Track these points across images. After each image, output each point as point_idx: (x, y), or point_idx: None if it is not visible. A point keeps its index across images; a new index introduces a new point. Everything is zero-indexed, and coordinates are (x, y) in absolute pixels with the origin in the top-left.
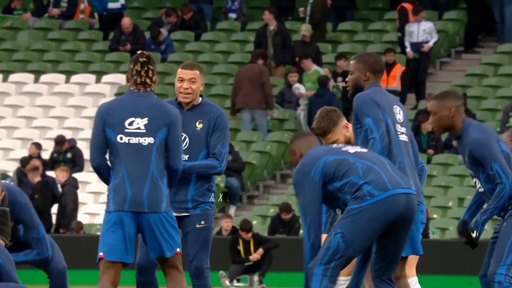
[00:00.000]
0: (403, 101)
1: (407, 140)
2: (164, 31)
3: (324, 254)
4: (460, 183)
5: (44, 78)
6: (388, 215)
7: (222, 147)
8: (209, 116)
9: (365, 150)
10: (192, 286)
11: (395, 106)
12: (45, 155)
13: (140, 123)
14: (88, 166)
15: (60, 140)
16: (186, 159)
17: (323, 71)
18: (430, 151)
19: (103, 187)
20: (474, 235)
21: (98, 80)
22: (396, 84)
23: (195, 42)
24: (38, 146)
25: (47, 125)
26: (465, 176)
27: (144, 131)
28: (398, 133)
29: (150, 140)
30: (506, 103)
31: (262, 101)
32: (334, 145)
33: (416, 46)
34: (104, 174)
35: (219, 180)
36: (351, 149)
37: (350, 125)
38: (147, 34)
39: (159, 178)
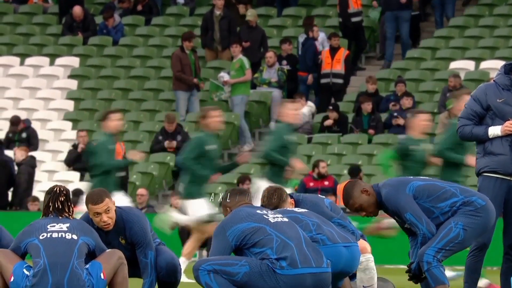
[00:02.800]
0: (346, 83)
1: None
2: (116, 16)
3: None
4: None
5: None
6: None
7: (144, 259)
8: (126, 232)
9: (285, 220)
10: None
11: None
12: (1, 135)
13: None
14: (42, 145)
15: (15, 121)
16: None
17: (247, 60)
18: (371, 131)
19: (57, 165)
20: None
21: (51, 63)
22: (340, 68)
23: (145, 27)
24: None
25: (3, 106)
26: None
27: None
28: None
29: None
30: (443, 85)
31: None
32: (258, 210)
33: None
34: None
35: (169, 159)
36: (272, 218)
37: (293, 203)
38: (100, 19)
39: None
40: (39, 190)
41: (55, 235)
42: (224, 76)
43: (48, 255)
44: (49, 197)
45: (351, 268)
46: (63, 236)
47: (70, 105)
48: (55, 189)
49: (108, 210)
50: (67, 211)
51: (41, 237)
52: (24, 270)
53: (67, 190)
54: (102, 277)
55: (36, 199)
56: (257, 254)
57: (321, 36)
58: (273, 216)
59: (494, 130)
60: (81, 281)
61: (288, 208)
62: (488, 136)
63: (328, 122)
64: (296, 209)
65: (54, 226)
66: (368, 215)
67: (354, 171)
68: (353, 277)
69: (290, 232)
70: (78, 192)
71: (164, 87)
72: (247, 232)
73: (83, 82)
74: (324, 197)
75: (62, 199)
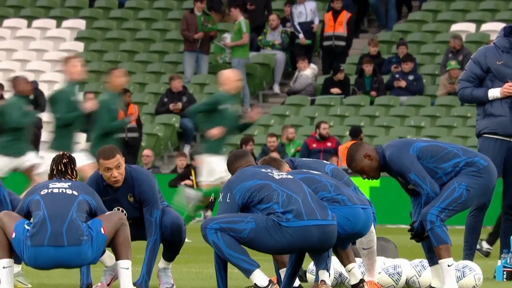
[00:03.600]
0: (348, 45)
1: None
2: None
3: None
4: (401, 123)
5: (6, 23)
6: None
7: (150, 217)
8: (134, 189)
9: (290, 176)
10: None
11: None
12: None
13: None
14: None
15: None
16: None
17: (246, 24)
18: (373, 92)
19: None
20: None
21: (58, 25)
22: (342, 30)
23: None
24: (1, 87)
25: (10, 68)
26: (406, 117)
27: None
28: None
29: None
30: (445, 48)
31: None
32: (263, 169)
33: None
34: None
35: (174, 121)
36: (277, 175)
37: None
38: None
39: None
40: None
41: (56, 190)
42: (226, 37)
43: (48, 207)
44: (53, 163)
45: (365, 230)
46: (64, 191)
47: None
48: (58, 154)
49: (119, 166)
50: (70, 173)
51: (42, 193)
52: (25, 225)
53: (71, 155)
54: (102, 231)
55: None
56: (264, 210)
57: (312, 5)
58: (277, 174)
59: (494, 92)
60: (79, 231)
61: (304, 170)
62: (488, 98)
63: (334, 91)
64: (313, 171)
65: (55, 184)
66: (369, 179)
67: (355, 132)
68: (353, 242)
69: (294, 187)
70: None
71: (170, 49)
72: (253, 190)
73: (90, 44)
74: (327, 162)
75: (65, 161)
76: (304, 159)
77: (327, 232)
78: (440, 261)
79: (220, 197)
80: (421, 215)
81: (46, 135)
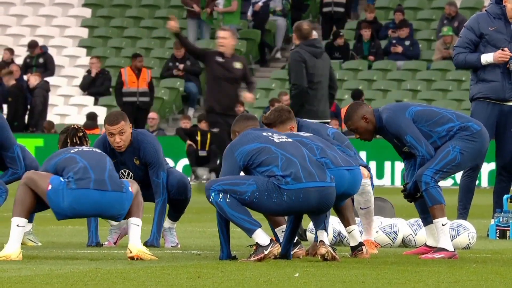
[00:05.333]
0: (347, 12)
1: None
2: None
3: None
4: (398, 87)
5: None
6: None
7: (157, 179)
8: (140, 152)
9: (290, 140)
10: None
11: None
12: (18, 61)
13: None
14: (58, 70)
15: (32, 44)
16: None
17: None
18: (371, 57)
19: (72, 90)
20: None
21: None
22: None
23: None
24: (11, 51)
25: (20, 33)
26: (403, 81)
27: None
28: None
29: None
30: (440, 14)
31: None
32: (264, 133)
33: None
34: None
35: (179, 85)
36: (277, 138)
37: (295, 129)
38: None
39: None
40: (55, 114)
41: (86, 149)
42: (220, 3)
43: (86, 159)
44: (65, 135)
45: (353, 190)
46: (93, 150)
47: (84, 33)
48: (71, 127)
49: (122, 132)
50: (85, 144)
51: (72, 151)
52: (61, 178)
53: (83, 129)
54: (130, 190)
55: (51, 124)
56: (263, 173)
57: None
58: (278, 137)
59: (487, 57)
60: (118, 181)
61: (294, 132)
62: (481, 62)
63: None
64: (301, 133)
65: (80, 147)
66: (362, 140)
67: (357, 94)
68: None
69: (294, 151)
70: (92, 116)
71: (174, 15)
72: (253, 152)
73: (97, 10)
74: (329, 126)
75: (80, 135)
76: (308, 120)
77: (326, 194)
78: (434, 220)
79: (223, 159)
80: (416, 176)
81: (54, 99)
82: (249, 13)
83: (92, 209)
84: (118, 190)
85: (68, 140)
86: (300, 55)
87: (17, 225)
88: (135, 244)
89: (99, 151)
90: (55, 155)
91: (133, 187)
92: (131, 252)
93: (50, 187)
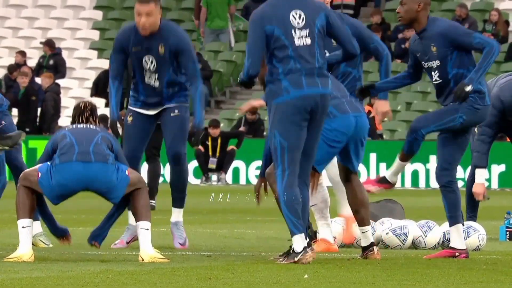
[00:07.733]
0: (356, 14)
1: (309, 43)
2: None
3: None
4: (408, 89)
5: None
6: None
7: (193, 65)
8: (168, 42)
9: (308, 43)
10: (171, 171)
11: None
12: (30, 63)
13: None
14: (69, 73)
15: (49, 43)
16: (156, 77)
17: None
18: None
19: (83, 92)
20: (468, 89)
21: None
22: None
23: None
24: (23, 54)
25: (32, 35)
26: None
27: None
28: (296, 38)
29: None
30: (450, 16)
31: None
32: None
33: None
34: None
35: None
36: (298, 38)
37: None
38: None
39: None
40: (66, 116)
41: (80, 126)
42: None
43: (74, 135)
44: (74, 113)
45: (360, 135)
46: (88, 127)
47: (95, 35)
48: (80, 105)
49: (149, 14)
50: (92, 122)
51: (67, 129)
52: (48, 163)
53: (92, 105)
54: (127, 173)
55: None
56: (273, 58)
57: None
58: (298, 37)
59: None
60: (105, 152)
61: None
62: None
63: None
64: None
65: (80, 124)
66: (399, 18)
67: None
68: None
69: (308, 56)
70: (104, 118)
71: (185, 18)
72: (274, 38)
73: (108, 12)
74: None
75: (87, 115)
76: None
77: (324, 100)
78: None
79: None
80: (413, 125)
81: (65, 101)
82: None
83: (78, 182)
84: (102, 160)
85: (76, 119)
86: None
87: (22, 227)
88: (147, 250)
89: (94, 127)
90: (54, 135)
91: (133, 172)
92: (143, 260)
93: (40, 174)
